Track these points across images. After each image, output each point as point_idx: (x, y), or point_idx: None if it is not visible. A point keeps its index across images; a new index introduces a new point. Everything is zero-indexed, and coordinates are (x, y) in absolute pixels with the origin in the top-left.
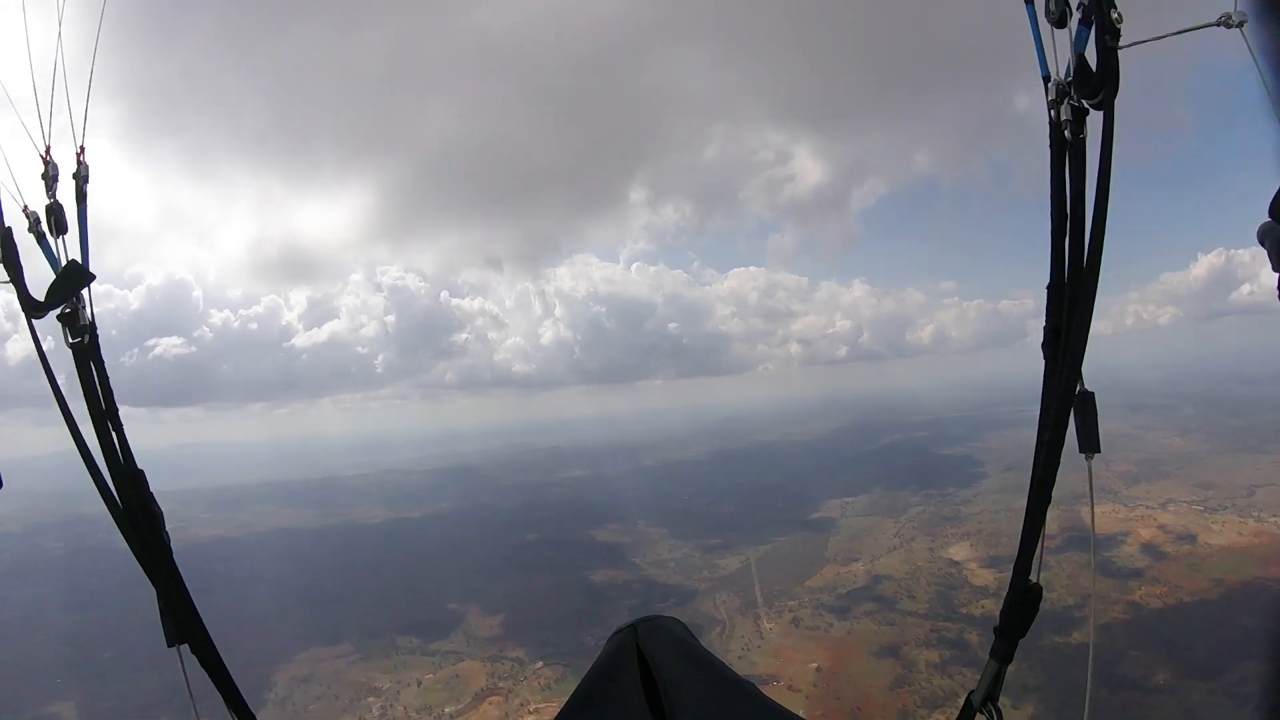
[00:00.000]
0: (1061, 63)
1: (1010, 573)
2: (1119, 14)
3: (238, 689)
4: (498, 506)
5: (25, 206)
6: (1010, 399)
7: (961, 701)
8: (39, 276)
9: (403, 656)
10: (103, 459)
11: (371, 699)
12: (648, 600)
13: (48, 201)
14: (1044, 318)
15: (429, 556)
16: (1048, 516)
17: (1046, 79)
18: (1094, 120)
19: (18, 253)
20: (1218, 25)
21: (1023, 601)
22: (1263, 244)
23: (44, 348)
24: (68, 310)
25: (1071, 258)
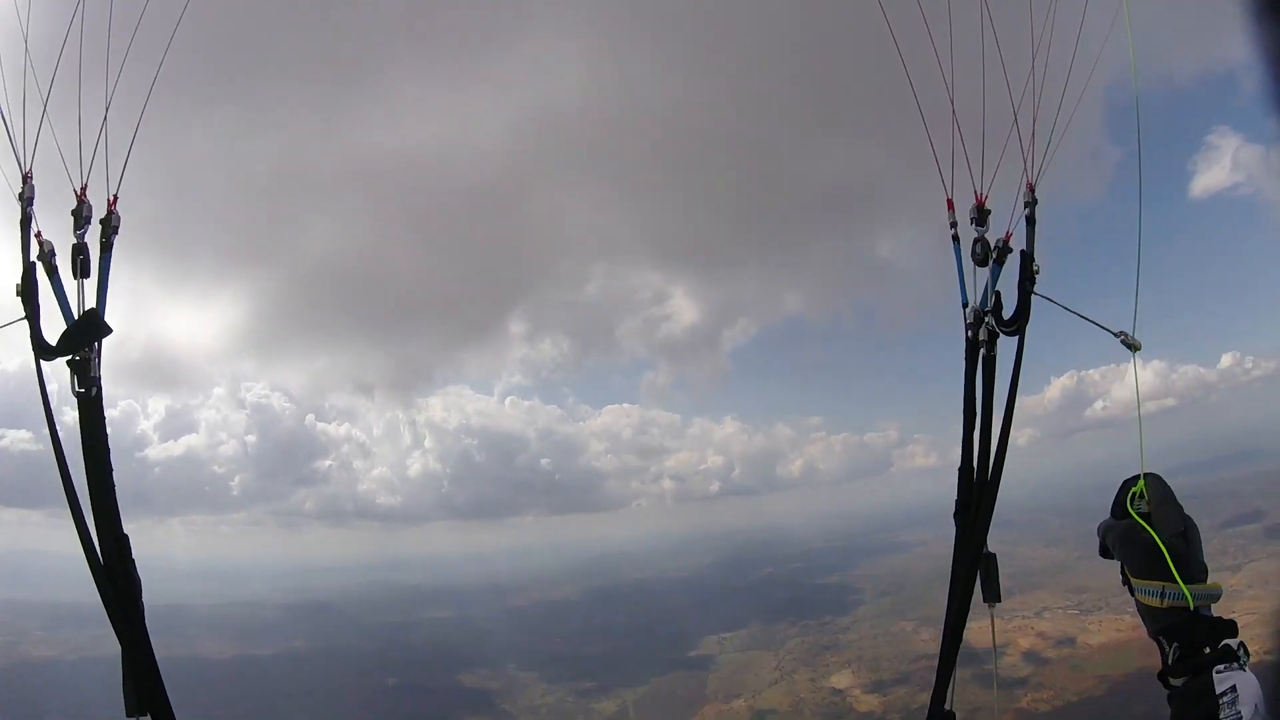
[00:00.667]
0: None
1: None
2: (1038, 266)
3: None
4: (356, 647)
5: (47, 243)
6: (881, 527)
7: None
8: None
9: None
10: (92, 518)
11: None
12: None
13: (74, 241)
14: (955, 491)
15: (280, 699)
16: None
17: (965, 304)
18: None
19: (38, 290)
20: (1117, 337)
21: None
22: (1104, 536)
23: (48, 391)
24: (78, 359)
25: (981, 449)
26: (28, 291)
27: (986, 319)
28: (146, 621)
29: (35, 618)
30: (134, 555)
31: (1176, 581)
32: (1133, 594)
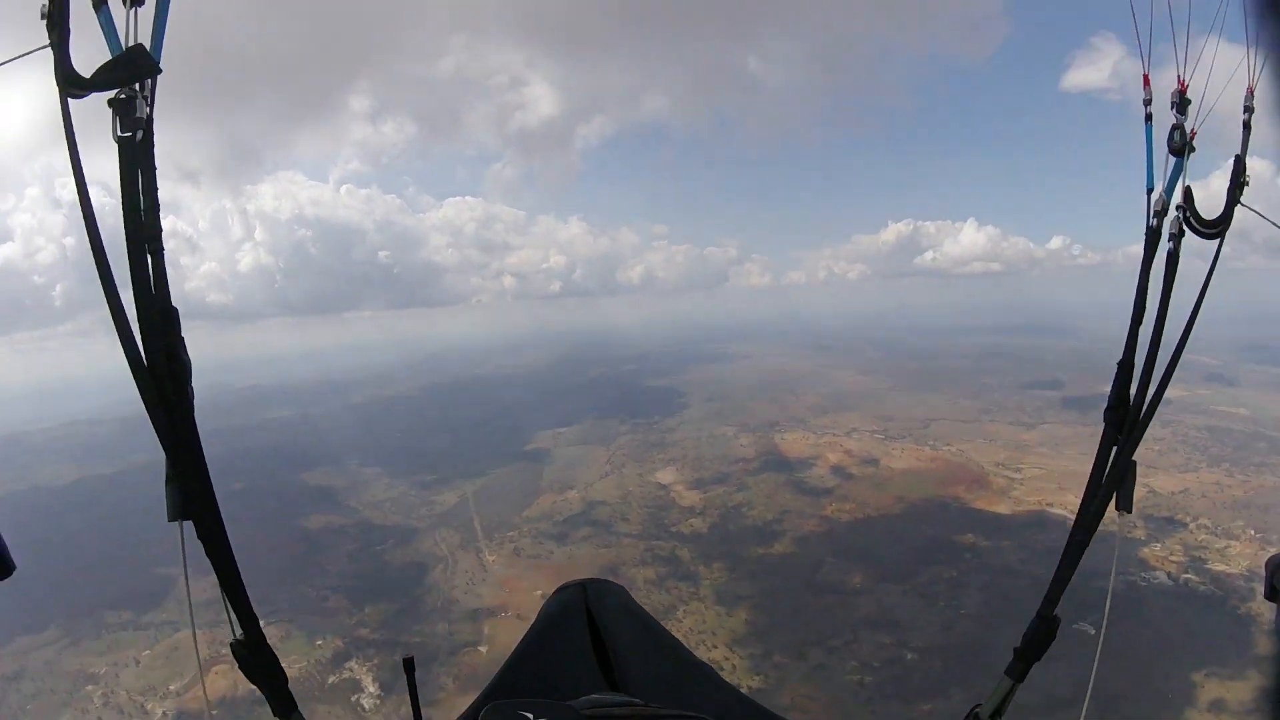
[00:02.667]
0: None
1: (1038, 602)
2: (1248, 177)
3: (240, 577)
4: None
5: None
6: (711, 338)
7: (965, 713)
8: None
9: (115, 635)
10: (133, 290)
11: (90, 687)
12: (367, 544)
13: None
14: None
15: (128, 517)
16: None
17: (1149, 190)
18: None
19: (68, 9)
20: None
21: (1045, 629)
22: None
23: (73, 129)
24: (123, 96)
25: (1150, 349)
26: (55, 11)
27: (1178, 212)
28: (194, 410)
29: None
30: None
31: None
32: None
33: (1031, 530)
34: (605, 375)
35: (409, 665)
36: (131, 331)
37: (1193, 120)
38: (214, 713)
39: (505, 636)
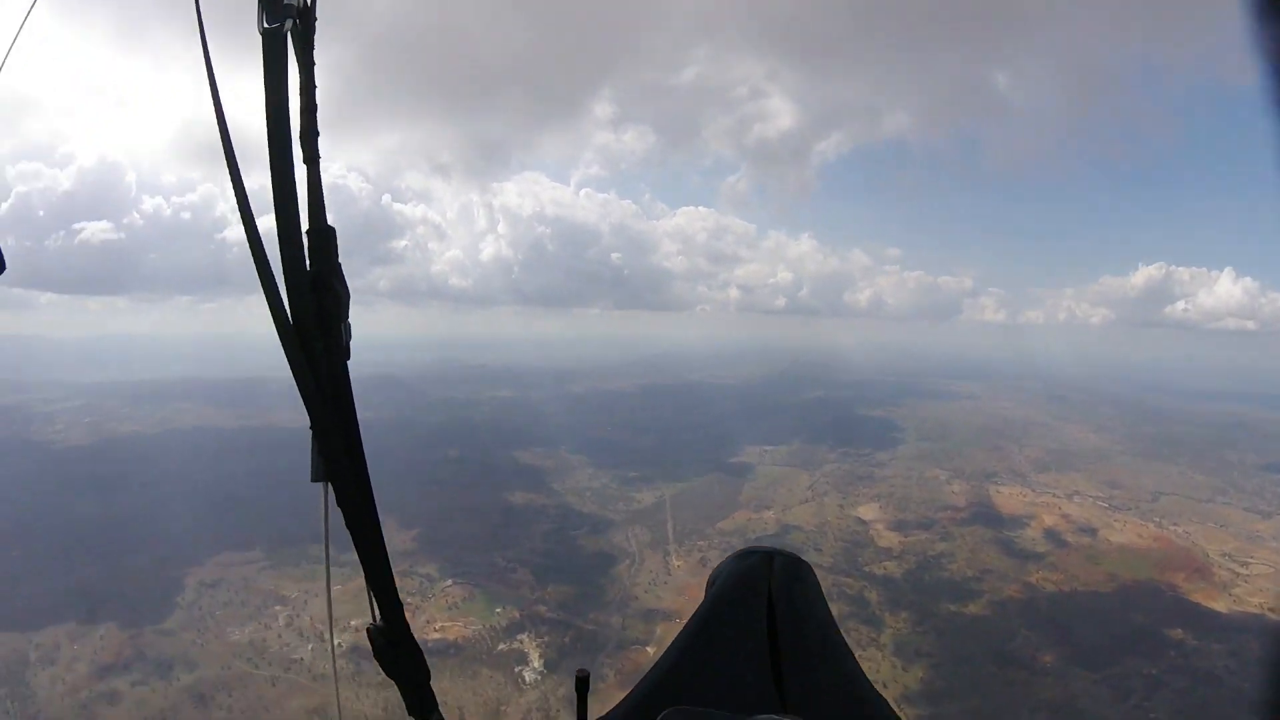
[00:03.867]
0: None
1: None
2: None
3: (385, 554)
4: (422, 420)
5: None
6: (936, 372)
7: None
8: None
9: (313, 566)
10: (274, 206)
11: (279, 607)
12: (562, 527)
13: None
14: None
15: None
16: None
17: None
18: None
19: None
20: None
21: None
22: None
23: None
24: None
25: None
26: None
27: None
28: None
29: (118, 397)
30: (338, 258)
31: None
32: None
33: (1247, 636)
34: (821, 398)
35: (582, 683)
36: (272, 274)
37: None
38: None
39: None
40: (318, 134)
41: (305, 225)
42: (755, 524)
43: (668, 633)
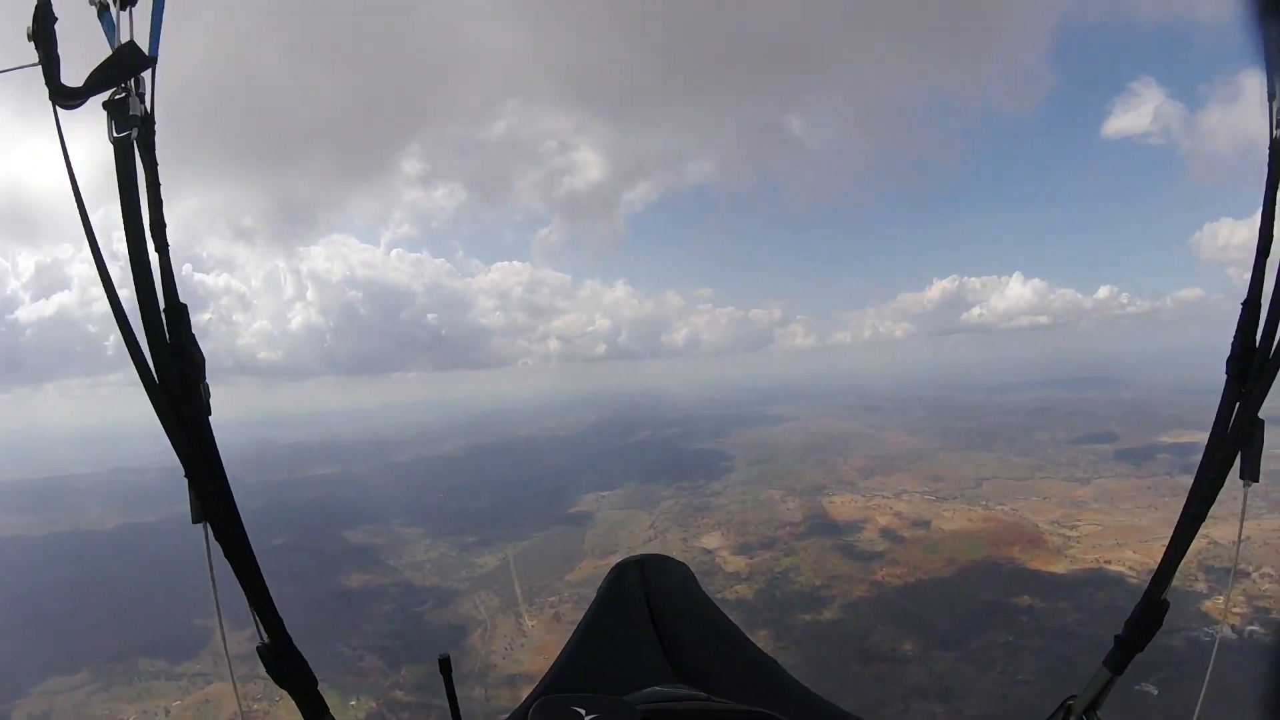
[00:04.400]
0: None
1: (1145, 583)
2: None
3: (263, 580)
4: (241, 508)
5: None
6: (757, 399)
7: (1057, 705)
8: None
9: (146, 683)
10: (135, 289)
11: None
12: (406, 605)
13: None
14: (1233, 334)
15: (168, 566)
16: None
17: (1272, 97)
18: None
19: (52, 25)
20: None
21: (1151, 614)
22: None
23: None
24: (118, 96)
25: (1278, 282)
26: (41, 24)
27: None
28: (211, 414)
29: None
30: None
31: None
32: None
33: (1090, 589)
34: (650, 439)
35: (446, 665)
36: (137, 344)
37: None
38: None
39: None
40: (165, 224)
41: (163, 304)
42: (603, 569)
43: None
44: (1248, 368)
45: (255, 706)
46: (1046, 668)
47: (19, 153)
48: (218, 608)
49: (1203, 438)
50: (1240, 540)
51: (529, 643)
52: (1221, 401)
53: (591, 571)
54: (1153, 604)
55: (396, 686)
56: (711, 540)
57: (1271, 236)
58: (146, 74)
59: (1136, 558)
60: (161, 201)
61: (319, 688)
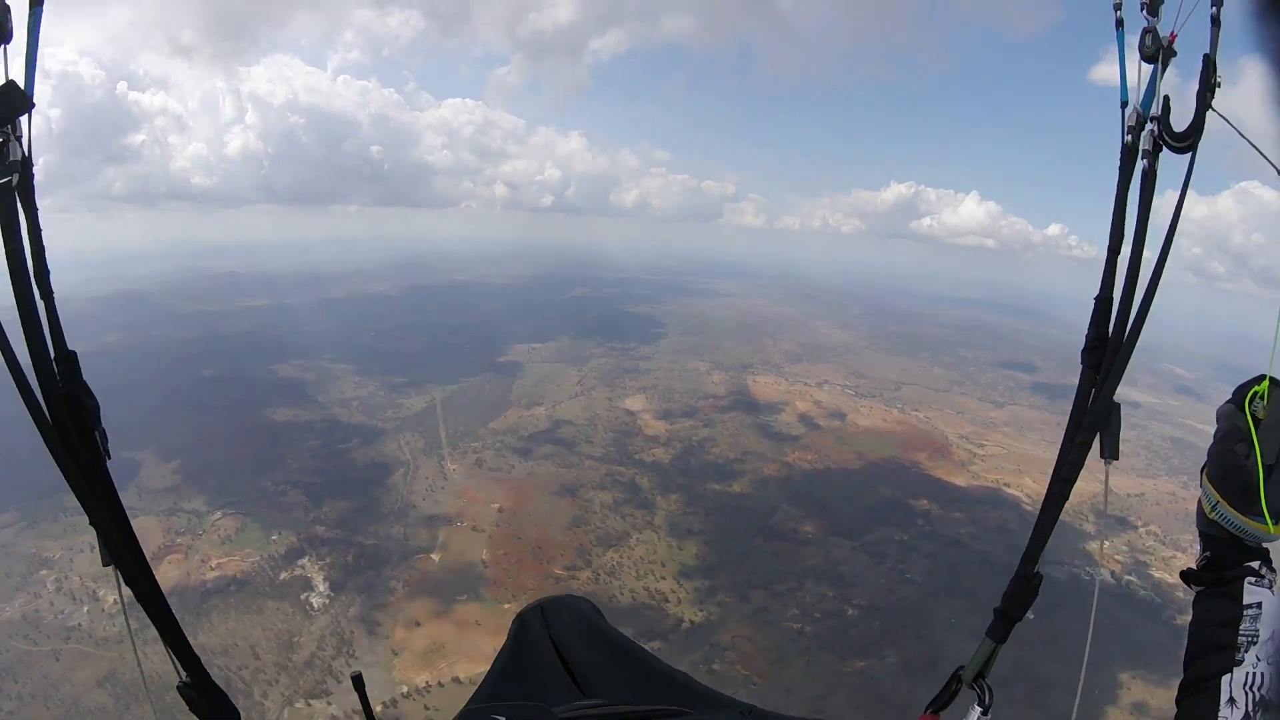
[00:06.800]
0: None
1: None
2: (1220, 80)
3: (175, 620)
4: (171, 338)
5: None
6: (697, 271)
7: (948, 677)
8: None
9: (72, 518)
10: (24, 337)
11: (45, 571)
12: (331, 441)
13: None
14: (1087, 326)
15: (96, 398)
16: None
17: (1124, 103)
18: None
19: None
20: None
21: (1025, 587)
22: (1217, 422)
23: None
24: None
25: (1127, 278)
26: None
27: (1151, 126)
28: (109, 446)
29: None
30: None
31: (1231, 507)
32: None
33: (985, 507)
34: (587, 296)
35: (358, 681)
36: (33, 394)
37: (1173, 22)
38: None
39: (459, 546)
40: (49, 271)
41: (53, 353)
42: (527, 420)
43: (451, 537)
44: (1101, 357)
45: (179, 540)
46: (934, 570)
47: None
48: (134, 645)
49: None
50: (1105, 510)
51: (449, 485)
52: (1079, 388)
53: (516, 420)
54: (1026, 578)
55: (317, 522)
56: (636, 403)
57: (1121, 236)
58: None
59: (1035, 488)
60: (44, 249)
61: None
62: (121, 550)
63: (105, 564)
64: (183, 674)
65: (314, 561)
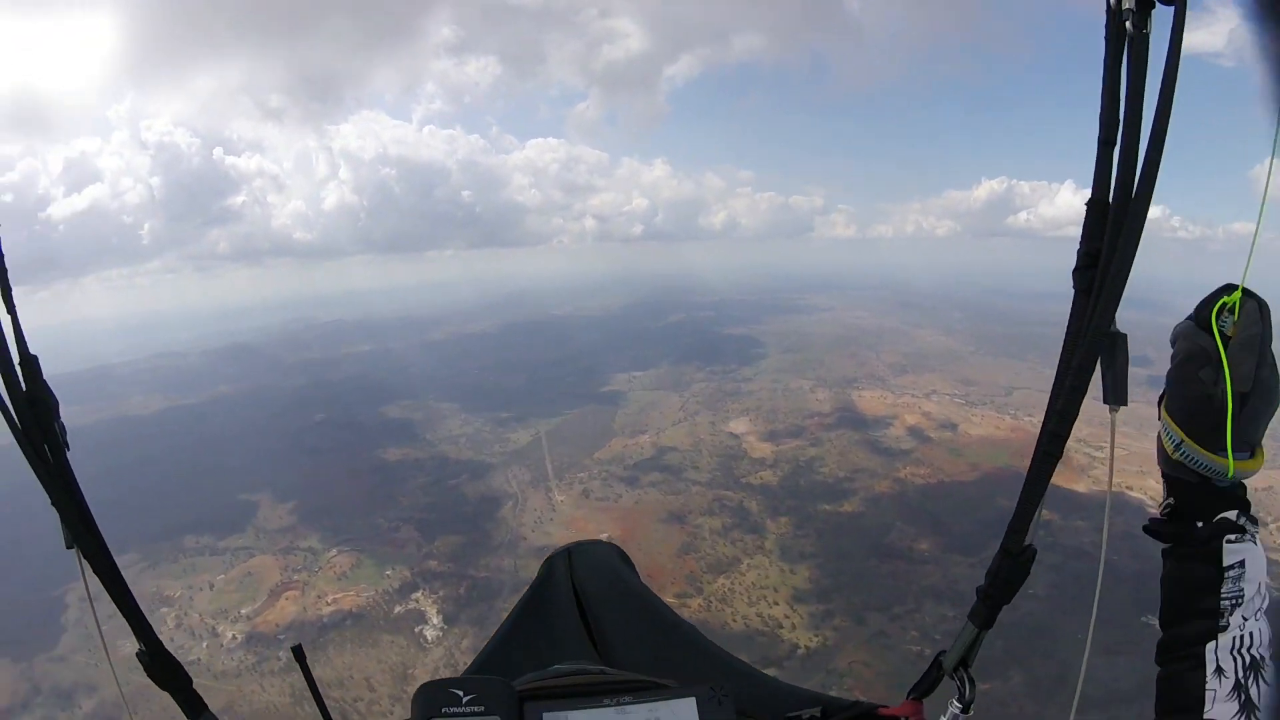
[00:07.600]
0: None
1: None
2: None
3: (131, 594)
4: (281, 386)
5: None
6: (792, 288)
7: (930, 662)
8: None
9: (191, 559)
10: None
11: (165, 609)
12: (440, 478)
13: None
14: (1078, 241)
15: (211, 446)
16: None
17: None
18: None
19: None
20: None
21: (1013, 565)
22: (1173, 345)
23: None
24: None
25: (1121, 171)
26: None
27: None
28: (67, 438)
29: None
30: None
31: (1198, 445)
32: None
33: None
34: (683, 321)
35: (299, 654)
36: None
37: None
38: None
39: None
40: (10, 287)
41: (17, 358)
42: (631, 449)
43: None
44: (1092, 279)
45: (295, 577)
46: (1058, 583)
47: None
48: (96, 620)
49: None
50: (1111, 476)
51: (558, 516)
52: (1070, 319)
53: (620, 449)
54: (1011, 554)
55: (430, 557)
56: (739, 426)
57: (1116, 124)
58: None
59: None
60: (3, 256)
61: (193, 686)
62: (80, 531)
63: (68, 546)
64: (140, 643)
65: (427, 595)
